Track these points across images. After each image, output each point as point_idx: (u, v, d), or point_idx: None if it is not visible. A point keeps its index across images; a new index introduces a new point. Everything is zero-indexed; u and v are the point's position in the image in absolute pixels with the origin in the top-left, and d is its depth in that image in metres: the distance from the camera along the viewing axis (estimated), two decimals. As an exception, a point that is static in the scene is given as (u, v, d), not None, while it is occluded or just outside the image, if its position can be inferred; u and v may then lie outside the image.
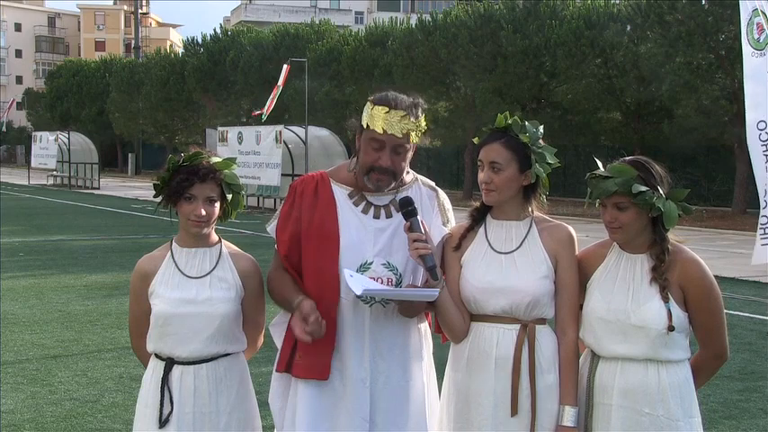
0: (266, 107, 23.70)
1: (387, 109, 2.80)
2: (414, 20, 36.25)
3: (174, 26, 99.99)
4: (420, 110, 2.86)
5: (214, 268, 2.96)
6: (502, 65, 29.31)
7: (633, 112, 28.85)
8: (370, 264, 2.85)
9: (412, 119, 2.82)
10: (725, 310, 2.88)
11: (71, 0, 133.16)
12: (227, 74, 43.50)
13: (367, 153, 2.84)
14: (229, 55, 43.42)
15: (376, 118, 2.80)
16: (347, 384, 2.85)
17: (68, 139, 38.49)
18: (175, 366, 2.91)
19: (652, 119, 28.38)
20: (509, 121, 2.88)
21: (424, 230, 2.79)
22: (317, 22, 45.33)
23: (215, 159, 2.95)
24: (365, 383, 2.85)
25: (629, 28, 27.27)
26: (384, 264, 2.86)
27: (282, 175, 24.44)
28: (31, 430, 5.35)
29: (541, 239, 2.87)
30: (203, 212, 2.88)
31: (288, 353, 2.91)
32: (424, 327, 3.03)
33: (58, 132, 40.73)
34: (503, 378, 2.79)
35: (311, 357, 2.83)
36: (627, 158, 2.82)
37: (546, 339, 2.84)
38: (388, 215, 2.91)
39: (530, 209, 2.93)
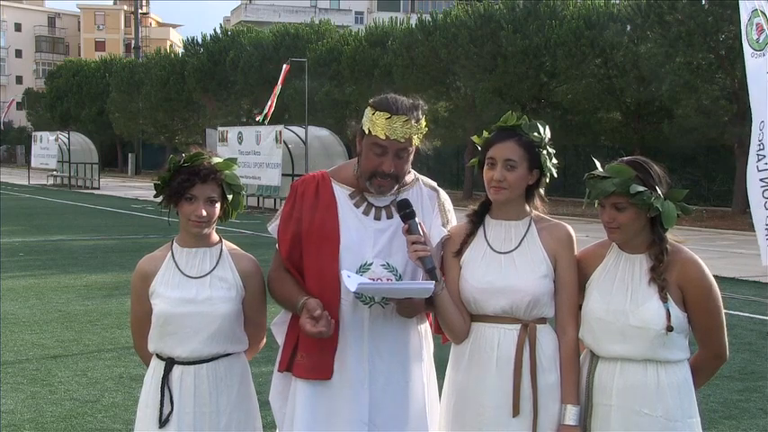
0: (267, 110, 23.67)
1: (388, 114, 2.80)
2: (414, 20, 36.26)
3: (174, 26, 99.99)
4: (421, 112, 2.86)
5: (214, 268, 2.96)
6: (502, 65, 29.31)
7: (633, 112, 28.85)
8: (370, 265, 2.86)
9: (413, 123, 2.82)
10: (725, 310, 2.88)
11: (71, 0, 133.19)
12: (227, 74, 43.50)
13: (369, 158, 2.84)
14: (229, 55, 43.42)
15: (377, 124, 2.80)
16: (346, 385, 2.85)
17: (68, 139, 38.48)
18: (176, 366, 2.91)
19: (652, 119, 28.38)
20: (519, 121, 2.88)
21: (423, 232, 2.79)
22: (317, 22, 45.33)
23: (216, 160, 2.96)
24: (363, 385, 2.85)
25: (629, 28, 27.27)
26: (384, 265, 2.86)
27: (282, 175, 24.45)
28: (31, 430, 5.35)
29: (540, 239, 2.88)
30: (204, 213, 2.88)
31: (289, 353, 2.91)
32: (425, 327, 3.03)
33: (58, 132, 40.74)
34: (504, 378, 2.79)
35: (314, 357, 2.84)
36: (625, 159, 2.82)
37: (547, 339, 2.84)
38: (389, 216, 2.91)
39: (529, 208, 2.93)
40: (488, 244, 2.90)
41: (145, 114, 50.72)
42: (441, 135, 34.11)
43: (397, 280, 2.87)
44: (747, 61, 3.92)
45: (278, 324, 3.02)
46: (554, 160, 2.91)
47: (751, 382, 6.61)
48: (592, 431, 2.81)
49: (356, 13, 73.47)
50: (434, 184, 3.07)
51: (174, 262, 2.96)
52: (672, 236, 2.82)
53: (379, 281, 2.84)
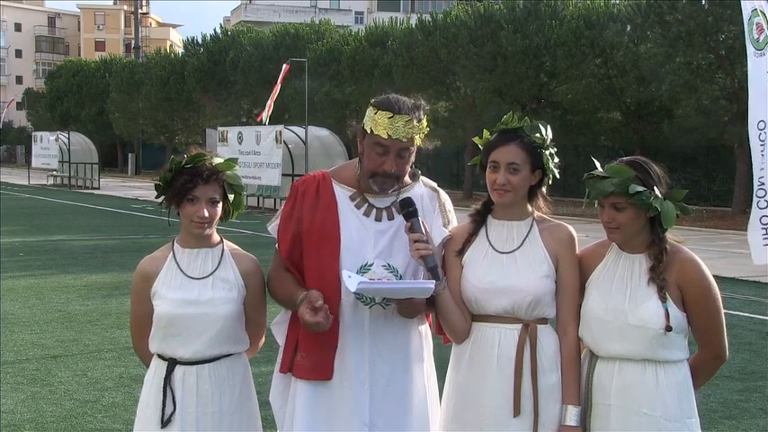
0: (265, 111, 23.64)
1: (390, 114, 2.80)
2: (414, 20, 36.27)
3: (174, 26, 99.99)
4: (422, 112, 2.86)
5: (216, 269, 2.96)
6: (502, 65, 29.32)
7: (633, 112, 28.86)
8: (371, 265, 2.86)
9: (415, 122, 2.82)
10: (725, 310, 2.88)
11: (71, 0, 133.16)
12: (227, 74, 43.50)
13: (371, 158, 2.84)
14: (229, 55, 43.42)
15: (380, 123, 2.80)
16: (346, 386, 2.85)
17: (68, 139, 38.48)
18: (178, 367, 2.91)
19: (652, 119, 28.39)
20: (521, 123, 2.89)
21: (425, 231, 2.79)
22: (317, 22, 45.34)
23: (217, 160, 2.96)
24: (364, 385, 2.85)
25: (629, 28, 27.27)
26: (384, 265, 2.86)
27: (282, 175, 24.45)
28: (31, 430, 5.36)
29: (542, 239, 2.88)
30: (206, 213, 2.88)
31: (290, 353, 2.91)
32: (425, 328, 3.03)
33: (58, 132, 40.75)
34: (505, 378, 2.80)
35: (314, 358, 2.84)
36: (624, 159, 2.82)
37: (548, 339, 2.85)
38: (390, 217, 2.92)
39: (531, 208, 2.94)
40: (490, 244, 2.90)
41: (145, 114, 50.72)
42: (441, 135, 34.11)
43: (397, 280, 2.87)
44: (750, 60, 3.93)
45: (278, 324, 3.02)
46: (556, 159, 2.91)
47: (751, 382, 6.61)
48: (591, 431, 2.81)
49: (356, 13, 73.47)
50: (434, 184, 3.07)
51: (176, 263, 2.96)
52: (672, 236, 2.82)
53: (379, 281, 2.84)
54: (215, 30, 47.43)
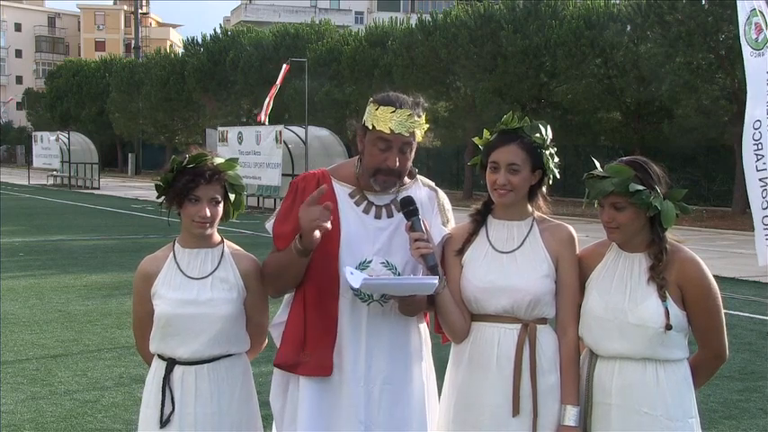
0: (264, 111, 23.61)
1: (393, 109, 2.80)
2: (414, 20, 36.27)
3: (174, 26, 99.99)
4: (422, 108, 2.88)
5: (216, 269, 2.96)
6: (502, 65, 29.32)
7: (633, 112, 28.86)
8: (369, 262, 2.86)
9: (417, 117, 2.83)
10: (725, 310, 2.88)
11: (71, 0, 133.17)
12: (227, 74, 43.51)
13: (373, 155, 2.84)
14: (229, 55, 43.42)
15: (382, 118, 2.80)
16: (343, 383, 2.86)
17: (68, 139, 38.48)
18: (177, 367, 2.91)
19: (652, 119, 28.40)
20: (521, 123, 2.89)
21: (426, 230, 2.79)
22: (317, 22, 45.34)
23: (218, 160, 2.96)
24: (359, 383, 2.85)
25: (629, 28, 27.28)
26: (383, 263, 2.86)
27: (282, 175, 24.44)
28: (31, 430, 5.36)
29: (542, 239, 2.88)
30: (208, 213, 2.88)
31: (291, 353, 2.90)
32: (424, 327, 3.03)
33: (59, 132, 40.75)
34: (504, 378, 2.80)
35: (316, 355, 2.83)
36: (624, 159, 2.83)
37: (547, 339, 2.85)
38: (389, 215, 2.92)
39: (531, 208, 2.94)
40: (490, 243, 2.90)
41: (145, 114, 50.73)
42: (441, 135, 34.16)
43: (400, 276, 2.87)
44: (747, 61, 3.93)
45: (276, 326, 3.01)
46: (556, 159, 2.91)
47: (751, 382, 6.61)
48: (592, 430, 2.81)
49: (356, 13, 73.48)
50: (433, 184, 3.08)
51: (176, 263, 2.96)
52: (672, 236, 2.83)
53: (383, 277, 2.84)
54: (215, 30, 47.47)
